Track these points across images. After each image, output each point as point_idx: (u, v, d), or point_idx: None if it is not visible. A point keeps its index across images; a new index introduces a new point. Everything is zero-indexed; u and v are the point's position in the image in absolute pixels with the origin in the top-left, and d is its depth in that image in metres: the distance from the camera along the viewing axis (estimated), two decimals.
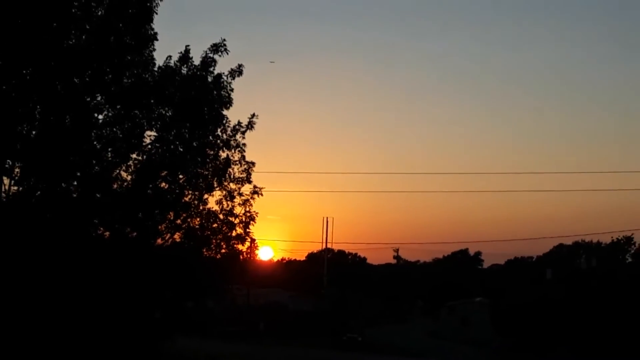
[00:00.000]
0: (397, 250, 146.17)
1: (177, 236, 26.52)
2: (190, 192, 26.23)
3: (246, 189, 26.91)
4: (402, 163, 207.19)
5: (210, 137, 26.29)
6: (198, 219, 26.45)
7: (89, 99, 23.63)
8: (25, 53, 22.33)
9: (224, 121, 26.49)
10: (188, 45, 25.84)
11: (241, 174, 26.97)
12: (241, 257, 28.01)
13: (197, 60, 25.92)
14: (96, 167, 23.98)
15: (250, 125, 26.96)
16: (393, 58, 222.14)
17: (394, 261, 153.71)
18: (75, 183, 23.93)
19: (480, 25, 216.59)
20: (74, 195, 23.74)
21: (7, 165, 23.26)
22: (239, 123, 26.82)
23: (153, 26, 24.34)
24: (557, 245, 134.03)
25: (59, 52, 22.62)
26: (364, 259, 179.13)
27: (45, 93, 22.81)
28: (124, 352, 25.23)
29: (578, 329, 65.81)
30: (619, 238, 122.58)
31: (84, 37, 23.35)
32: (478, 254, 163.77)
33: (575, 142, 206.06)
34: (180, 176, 25.88)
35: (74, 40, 23.14)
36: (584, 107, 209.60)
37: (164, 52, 25.88)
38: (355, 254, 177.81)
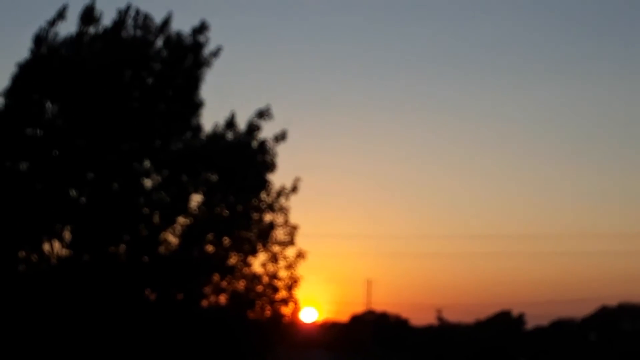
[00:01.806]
0: (440, 312, 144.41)
1: (222, 298, 26.71)
2: (235, 255, 26.46)
3: (290, 252, 27.12)
4: (447, 224, 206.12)
5: (255, 201, 26.59)
6: (243, 282, 26.63)
7: (137, 165, 24.24)
8: (78, 120, 23.11)
9: (268, 185, 26.80)
10: (233, 111, 26.35)
11: (285, 236, 27.16)
12: (285, 320, 28.03)
13: (242, 124, 26.42)
14: (144, 231, 24.44)
15: (294, 189, 27.25)
16: (438, 118, 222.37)
17: (436, 323, 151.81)
18: (123, 247, 24.39)
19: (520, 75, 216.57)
20: (122, 259, 24.19)
21: (58, 229, 23.88)
22: (283, 187, 27.12)
23: (200, 93, 25.11)
24: (601, 307, 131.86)
25: (110, 119, 23.34)
26: (406, 320, 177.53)
27: (96, 159, 23.47)
28: None
29: None
30: None
31: (134, 104, 24.12)
32: (521, 315, 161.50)
33: (620, 202, 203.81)
34: (225, 239, 26.13)
35: (124, 109, 23.90)
36: (632, 166, 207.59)
37: (210, 115, 26.44)
38: (398, 315, 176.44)
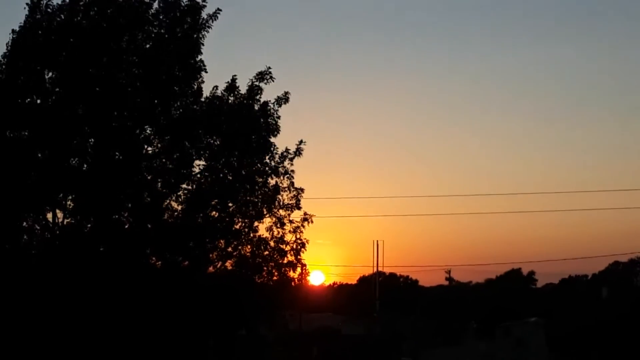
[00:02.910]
0: (449, 272, 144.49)
1: (228, 264, 26.59)
2: (240, 220, 26.27)
3: (296, 215, 26.93)
4: (453, 185, 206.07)
5: (259, 165, 26.34)
6: (249, 247, 26.46)
7: (138, 131, 23.99)
8: (77, 88, 22.83)
9: (272, 148, 26.52)
10: (234, 75, 26.04)
11: (290, 200, 26.95)
12: (293, 284, 27.92)
13: (243, 89, 26.09)
14: (147, 198, 24.24)
15: (299, 152, 26.95)
16: (444, 77, 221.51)
17: (446, 283, 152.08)
18: (126, 214, 24.21)
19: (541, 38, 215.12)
20: (126, 227, 24.03)
21: (60, 199, 23.70)
22: (287, 150, 26.84)
23: (201, 57, 24.75)
24: (613, 263, 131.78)
25: (110, 85, 23.06)
26: (416, 281, 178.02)
27: (97, 127, 23.24)
28: None
29: (636, 348, 64.60)
30: None
31: (133, 69, 23.81)
32: (532, 273, 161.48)
33: (628, 158, 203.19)
34: (230, 204, 25.92)
35: (122, 74, 23.60)
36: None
37: (211, 81, 26.13)
38: (407, 276, 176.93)
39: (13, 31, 23.73)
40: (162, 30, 24.11)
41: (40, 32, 23.66)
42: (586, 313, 72.78)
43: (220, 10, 25.00)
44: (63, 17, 23.68)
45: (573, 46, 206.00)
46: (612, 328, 66.39)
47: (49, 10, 23.74)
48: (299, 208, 26.88)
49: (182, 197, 25.08)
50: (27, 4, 23.78)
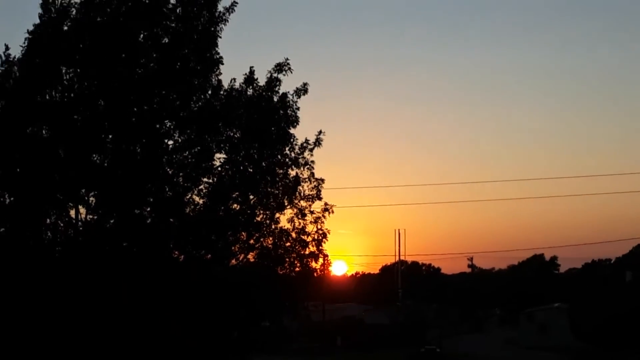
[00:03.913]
0: (471, 259, 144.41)
1: (250, 256, 26.65)
2: (261, 211, 26.31)
3: (317, 206, 26.94)
4: (474, 172, 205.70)
5: (279, 156, 26.36)
6: (271, 238, 26.51)
7: (158, 126, 24.06)
8: (97, 84, 22.92)
9: (292, 139, 26.52)
10: (252, 67, 26.03)
11: (311, 191, 26.96)
12: (315, 274, 27.95)
13: (262, 81, 26.09)
14: (168, 193, 24.32)
15: (318, 142, 26.94)
16: (465, 67, 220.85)
17: (468, 270, 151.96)
18: (148, 209, 24.30)
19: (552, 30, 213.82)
20: (148, 222, 24.12)
21: (82, 195, 23.82)
22: (307, 140, 26.83)
23: (218, 50, 24.78)
24: (636, 246, 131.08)
25: (129, 81, 23.13)
26: (438, 269, 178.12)
27: (117, 122, 23.32)
28: None
29: None
30: None
31: (151, 65, 23.87)
32: (554, 258, 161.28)
33: None
34: (251, 196, 25.97)
35: (141, 70, 23.67)
36: None
37: (229, 74, 26.18)
38: (429, 264, 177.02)
39: (28, 31, 23.84)
40: (179, 24, 24.11)
41: (56, 29, 23.70)
42: (611, 297, 72.27)
43: (237, 2, 24.99)
44: (78, 14, 23.73)
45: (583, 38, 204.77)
46: (637, 311, 65.92)
47: (63, 6, 23.79)
48: (320, 198, 26.91)
49: (204, 190, 25.13)
50: (40, 3, 23.88)
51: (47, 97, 23.69)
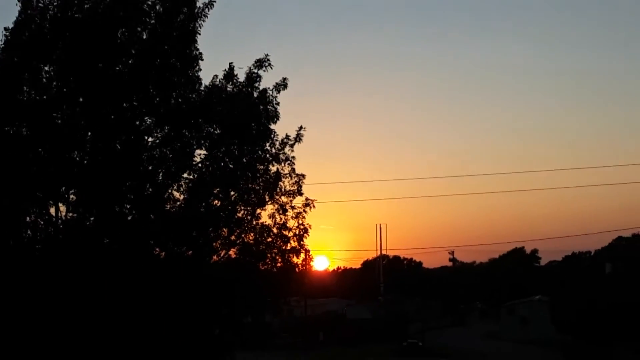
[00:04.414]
0: (452, 253, 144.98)
1: (232, 252, 26.64)
2: (242, 207, 26.31)
3: (298, 201, 26.97)
4: (454, 166, 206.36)
5: (259, 152, 26.34)
6: (252, 234, 26.52)
7: (138, 123, 23.99)
8: (76, 81, 22.82)
9: (272, 135, 26.53)
10: (232, 63, 26.02)
11: (292, 186, 26.99)
12: (297, 270, 27.97)
13: (241, 77, 26.08)
14: (149, 189, 24.26)
15: (299, 138, 26.98)
16: (446, 62, 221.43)
17: (449, 264, 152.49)
18: (129, 206, 24.23)
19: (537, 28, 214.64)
20: (129, 218, 24.05)
21: (62, 192, 23.71)
22: (287, 136, 26.87)
23: (197, 46, 24.73)
24: (616, 238, 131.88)
25: (107, 77, 23.04)
26: (420, 263, 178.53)
27: (96, 119, 23.24)
28: None
29: (637, 321, 64.72)
30: None
31: (130, 61, 23.79)
32: (535, 251, 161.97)
33: (628, 133, 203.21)
34: (232, 192, 25.96)
35: (120, 66, 23.59)
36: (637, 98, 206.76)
37: (208, 70, 26.15)
38: (411, 258, 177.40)
39: (6, 29, 23.70)
40: (158, 21, 24.03)
41: (34, 26, 23.57)
42: (591, 288, 72.73)
43: None
44: (57, 11, 23.60)
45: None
46: (617, 302, 66.36)
47: (40, 4, 23.67)
48: (301, 194, 26.95)
49: (184, 186, 25.11)
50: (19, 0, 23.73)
51: (26, 96, 23.53)
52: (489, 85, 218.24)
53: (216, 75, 25.82)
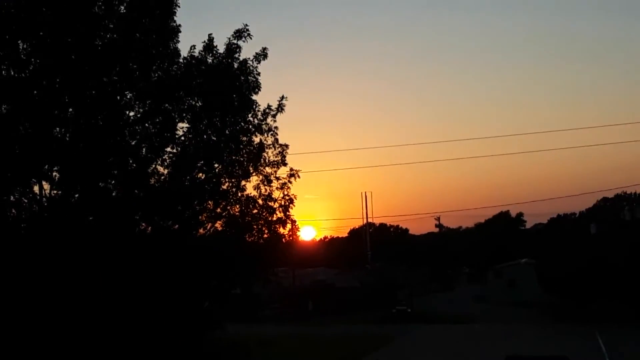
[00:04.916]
0: (438, 219, 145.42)
1: (218, 225, 26.66)
2: (227, 180, 26.28)
3: (282, 172, 26.97)
4: (436, 131, 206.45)
5: (242, 123, 26.29)
6: (238, 206, 26.55)
7: (118, 98, 23.81)
8: (55, 56, 22.56)
9: (254, 106, 26.47)
10: (211, 34, 25.87)
11: (276, 157, 27.01)
12: (283, 240, 28.05)
13: (221, 49, 25.90)
14: (132, 164, 24.16)
15: (281, 108, 26.93)
16: (425, 28, 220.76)
17: (436, 230, 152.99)
18: (113, 182, 24.13)
19: None
20: (113, 194, 23.96)
21: (45, 170, 23.55)
22: (269, 106, 26.81)
23: (176, 19, 24.54)
24: (601, 199, 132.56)
25: (86, 52, 22.81)
26: (406, 230, 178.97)
27: (76, 95, 23.03)
28: (176, 344, 25.48)
29: (622, 279, 65.30)
30: None
31: (108, 35, 23.55)
32: (520, 214, 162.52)
33: (609, 93, 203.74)
34: (216, 165, 25.92)
35: (98, 41, 23.35)
36: (618, 59, 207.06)
37: (188, 43, 25.97)
38: (397, 226, 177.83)
39: None
40: None
41: (10, 2, 23.24)
42: (576, 250, 73.19)
43: None
44: None
45: None
46: (602, 263, 66.87)
47: None
48: (285, 164, 26.99)
49: (168, 161, 25.06)
50: None
51: (4, 73, 23.27)
52: (471, 48, 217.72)
53: (194, 46, 25.66)
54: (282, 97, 26.96)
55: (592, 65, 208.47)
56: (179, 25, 24.58)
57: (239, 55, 25.86)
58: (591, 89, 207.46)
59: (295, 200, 26.95)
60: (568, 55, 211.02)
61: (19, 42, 23.16)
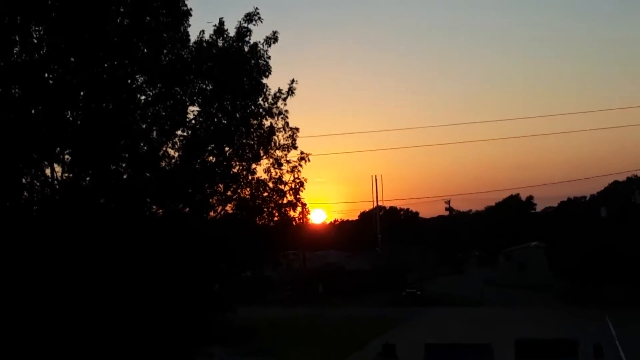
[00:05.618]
0: (448, 202, 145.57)
1: (229, 208, 26.78)
2: (237, 163, 26.39)
3: (293, 155, 27.04)
4: (446, 114, 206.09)
5: (253, 107, 26.38)
6: (248, 189, 26.64)
7: (130, 81, 23.92)
8: (67, 41, 22.67)
9: (265, 89, 26.53)
10: (222, 18, 25.92)
11: (286, 140, 27.07)
12: (294, 223, 28.11)
13: (232, 32, 25.97)
14: (143, 147, 24.30)
15: (291, 91, 27.00)
16: (440, 11, 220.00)
17: (446, 213, 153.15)
18: (124, 165, 24.28)
19: None
20: (124, 177, 24.11)
21: (57, 153, 23.72)
22: (280, 90, 26.89)
23: (186, 2, 24.60)
24: (612, 183, 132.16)
25: (98, 36, 22.90)
26: (416, 213, 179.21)
27: (88, 79, 23.14)
28: (186, 327, 25.65)
29: (632, 263, 65.31)
30: None
31: (119, 19, 23.64)
32: (530, 198, 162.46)
33: (621, 76, 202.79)
34: (227, 148, 26.03)
35: (111, 25, 23.44)
36: (630, 41, 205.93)
37: (198, 27, 26.06)
38: (407, 209, 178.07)
39: None
40: None
41: None
42: (587, 233, 73.16)
43: None
44: None
45: None
46: (612, 245, 66.86)
47: None
48: (295, 148, 27.06)
49: (179, 144, 25.20)
50: None
51: (16, 56, 23.40)
52: (483, 29, 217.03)
53: (203, 31, 25.77)
54: (293, 81, 27.04)
55: (603, 49, 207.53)
56: (190, 9, 24.62)
57: (250, 39, 25.91)
58: (603, 71, 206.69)
59: (305, 184, 27.03)
60: (580, 39, 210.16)
61: (31, 25, 23.25)
